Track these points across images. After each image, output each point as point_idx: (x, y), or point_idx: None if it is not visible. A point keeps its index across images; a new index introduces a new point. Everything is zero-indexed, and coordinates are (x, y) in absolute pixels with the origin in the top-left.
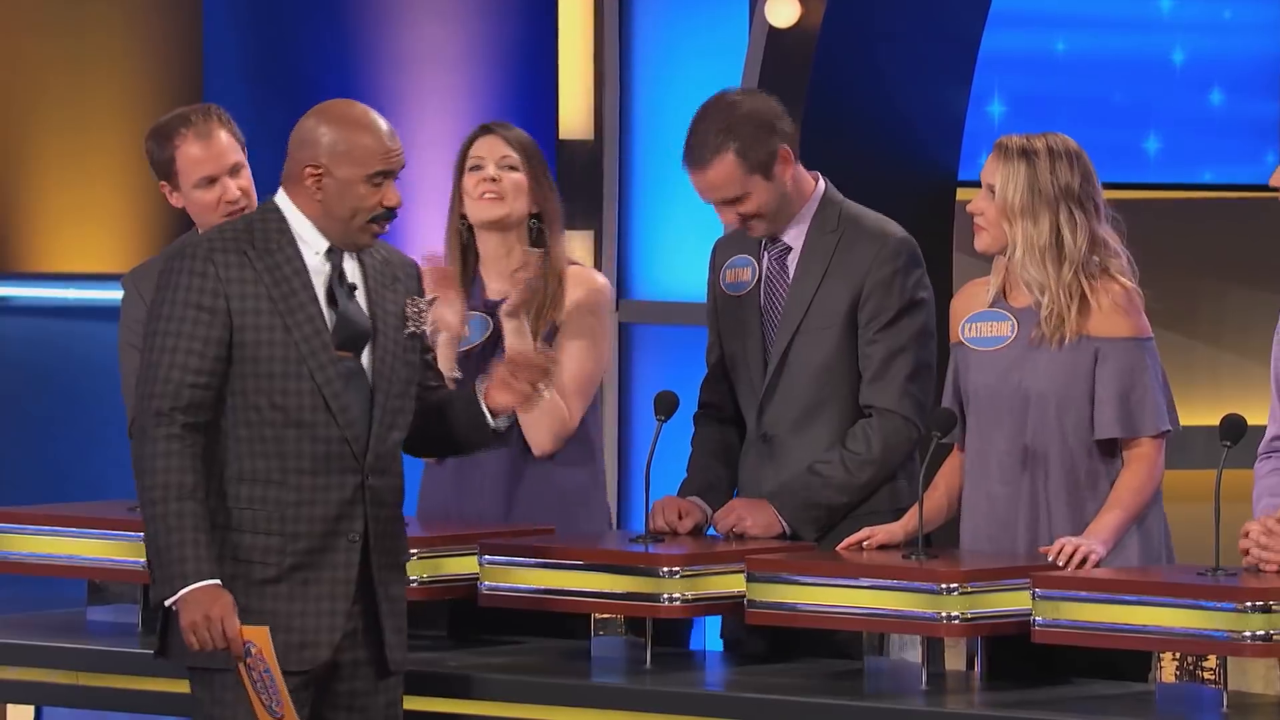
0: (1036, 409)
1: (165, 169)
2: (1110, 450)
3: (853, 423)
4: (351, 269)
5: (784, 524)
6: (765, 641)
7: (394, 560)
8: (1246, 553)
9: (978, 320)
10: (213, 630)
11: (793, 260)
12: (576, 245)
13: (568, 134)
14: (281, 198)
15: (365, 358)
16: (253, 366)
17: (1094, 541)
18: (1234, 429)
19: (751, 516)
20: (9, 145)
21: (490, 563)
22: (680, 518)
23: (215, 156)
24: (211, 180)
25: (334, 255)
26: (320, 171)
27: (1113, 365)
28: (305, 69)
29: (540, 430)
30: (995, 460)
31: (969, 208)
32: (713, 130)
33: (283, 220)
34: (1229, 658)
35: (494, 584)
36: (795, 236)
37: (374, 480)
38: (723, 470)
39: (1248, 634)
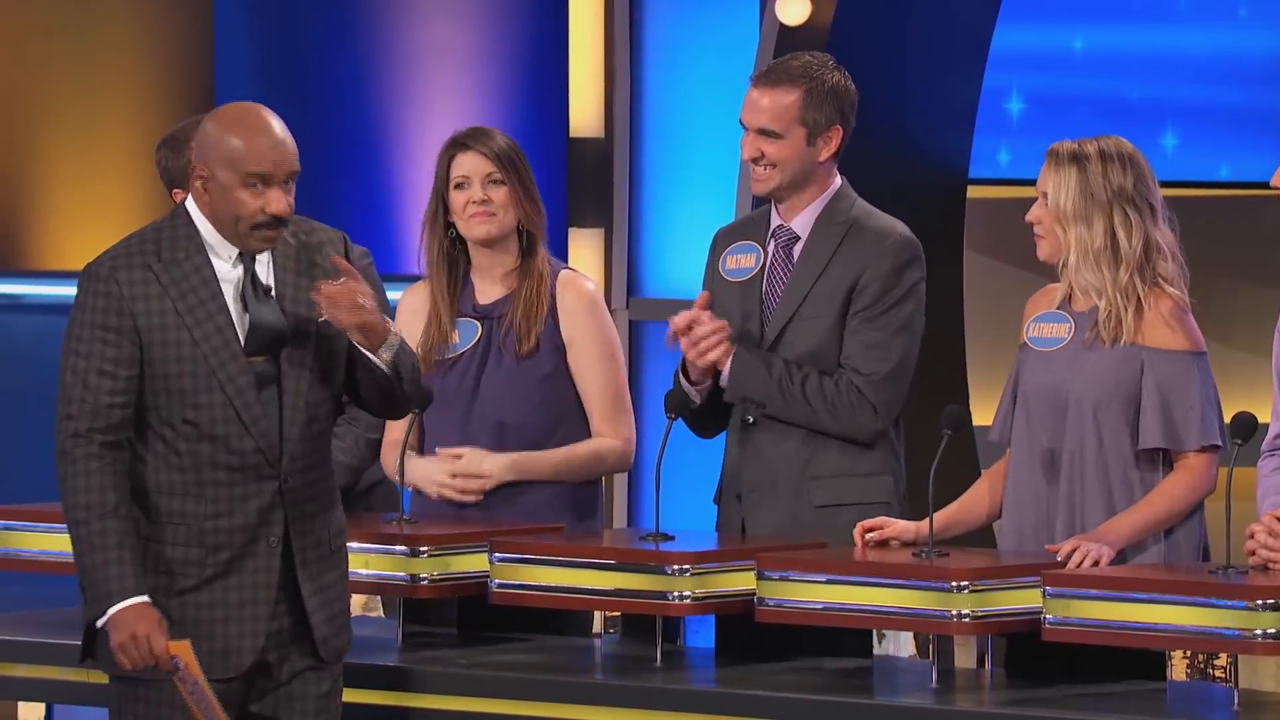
0: (1075, 412)
1: (180, 174)
2: (1153, 462)
3: None
4: (264, 266)
5: (726, 372)
6: (772, 639)
7: (324, 550)
8: (1253, 553)
9: (1042, 321)
10: (140, 649)
11: (799, 249)
12: (586, 243)
13: (578, 132)
14: (190, 201)
15: (280, 355)
16: (163, 383)
17: (1101, 545)
18: (1244, 427)
19: (714, 327)
20: (19, 143)
21: (500, 560)
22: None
23: None
24: None
25: (245, 259)
26: (205, 175)
27: (1158, 376)
28: (315, 67)
29: (607, 468)
30: (1040, 459)
31: (1027, 217)
32: (801, 65)
33: (191, 225)
34: (1240, 656)
35: (504, 581)
36: (803, 226)
37: (293, 480)
38: None
39: (1258, 632)
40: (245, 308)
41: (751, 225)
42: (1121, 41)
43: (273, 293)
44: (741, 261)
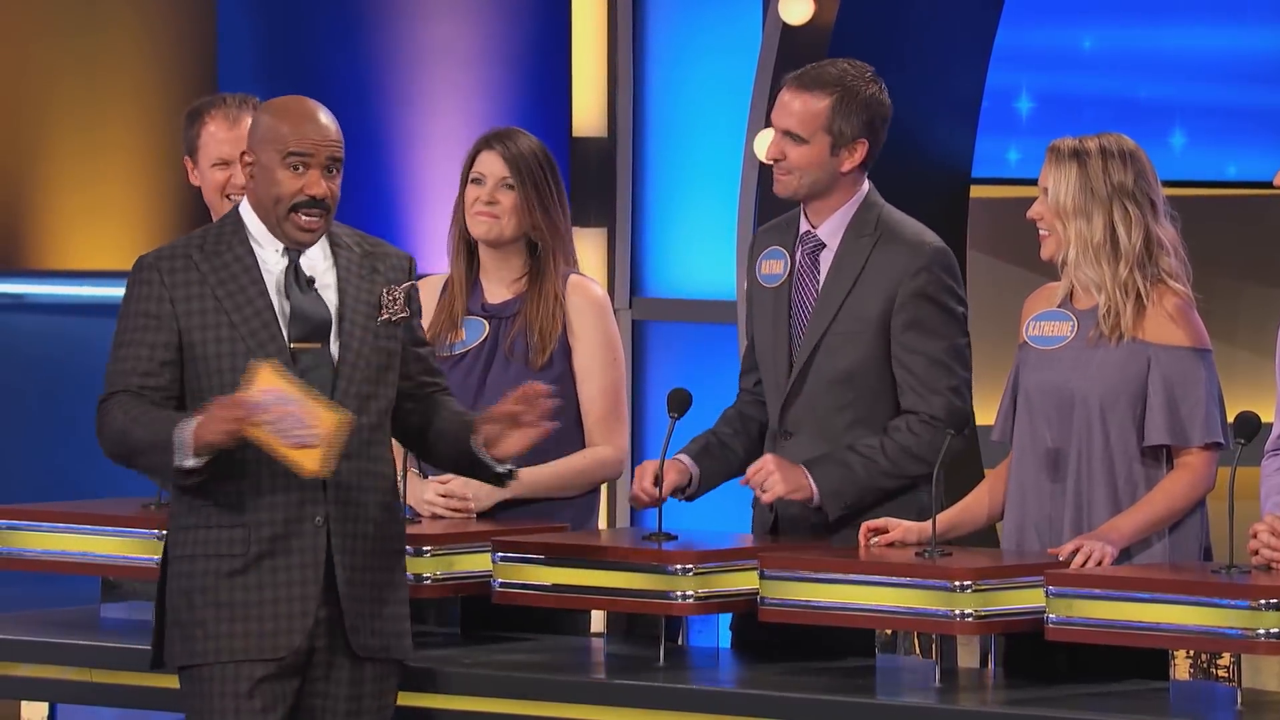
0: (1081, 409)
1: (190, 145)
2: (1157, 458)
3: (875, 429)
4: (319, 262)
5: (814, 490)
6: (777, 638)
7: (370, 545)
8: (1256, 553)
9: (1042, 319)
10: (223, 412)
11: (826, 257)
12: (589, 243)
13: (581, 131)
14: (243, 203)
15: (333, 346)
16: (203, 365)
17: (1104, 545)
18: (1248, 426)
19: (782, 474)
20: (23, 143)
21: (503, 560)
22: (655, 483)
23: (234, 140)
24: (225, 163)
25: (291, 252)
26: (252, 161)
27: (1165, 372)
28: (319, 68)
29: (600, 479)
30: (1044, 457)
31: (1029, 214)
32: (837, 74)
33: (239, 223)
34: (1243, 655)
35: (507, 581)
36: (831, 234)
37: (335, 465)
38: (728, 430)
39: (1261, 631)
40: (287, 296)
41: (784, 228)
42: (1129, 41)
43: (321, 280)
44: (773, 267)
